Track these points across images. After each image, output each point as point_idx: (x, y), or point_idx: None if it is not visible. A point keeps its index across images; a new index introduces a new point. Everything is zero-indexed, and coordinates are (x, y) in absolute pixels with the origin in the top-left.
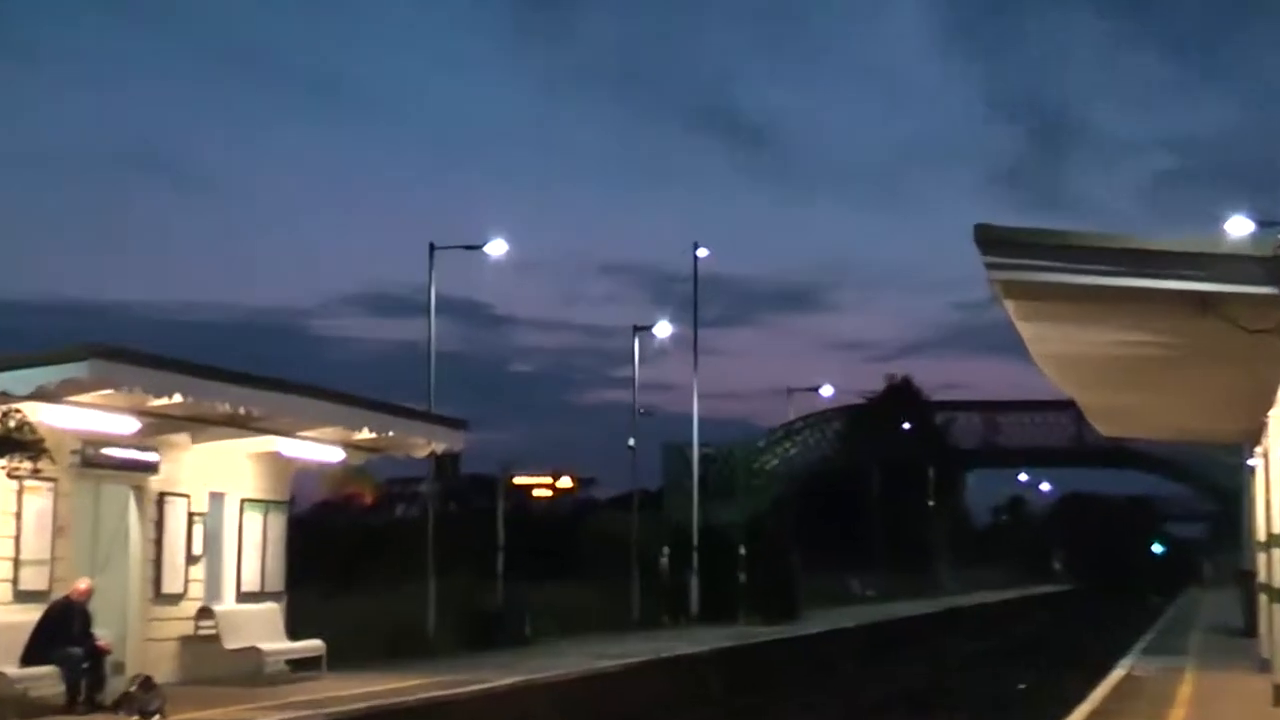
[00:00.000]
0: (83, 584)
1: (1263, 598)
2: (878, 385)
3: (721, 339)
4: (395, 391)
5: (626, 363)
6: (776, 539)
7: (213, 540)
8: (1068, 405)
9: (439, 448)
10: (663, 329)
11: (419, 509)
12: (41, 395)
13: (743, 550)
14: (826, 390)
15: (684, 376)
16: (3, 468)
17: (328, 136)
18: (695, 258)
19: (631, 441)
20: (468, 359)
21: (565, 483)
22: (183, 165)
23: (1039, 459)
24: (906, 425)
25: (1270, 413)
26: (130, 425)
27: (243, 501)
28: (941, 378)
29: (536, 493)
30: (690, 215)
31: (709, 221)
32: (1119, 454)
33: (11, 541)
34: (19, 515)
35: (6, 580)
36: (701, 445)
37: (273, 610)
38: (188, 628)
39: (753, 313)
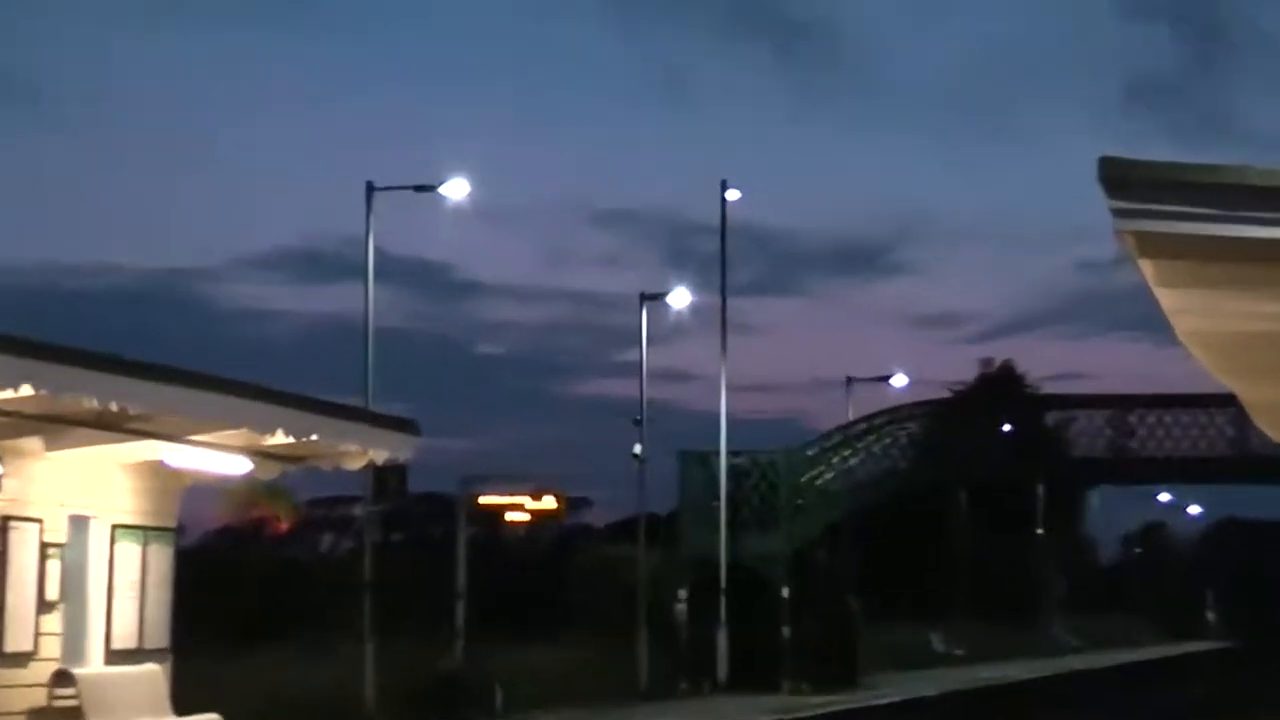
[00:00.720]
0: None
1: None
2: (969, 374)
3: (759, 312)
4: (323, 381)
5: (631, 344)
6: (832, 579)
7: (74, 580)
8: (1225, 401)
9: (379, 457)
10: (680, 298)
11: (353, 539)
12: None
13: (786, 594)
14: (899, 380)
15: (708, 362)
16: None
17: (238, 47)
18: (723, 202)
19: (638, 448)
20: (420, 338)
21: (548, 503)
22: (39, 88)
23: (1186, 473)
24: (1007, 427)
25: None
26: None
27: (114, 528)
28: (1055, 364)
29: (510, 517)
30: (717, 147)
31: (742, 155)
32: None
33: None
34: None
35: None
36: (732, 454)
37: (154, 675)
38: (40, 697)
39: (800, 277)
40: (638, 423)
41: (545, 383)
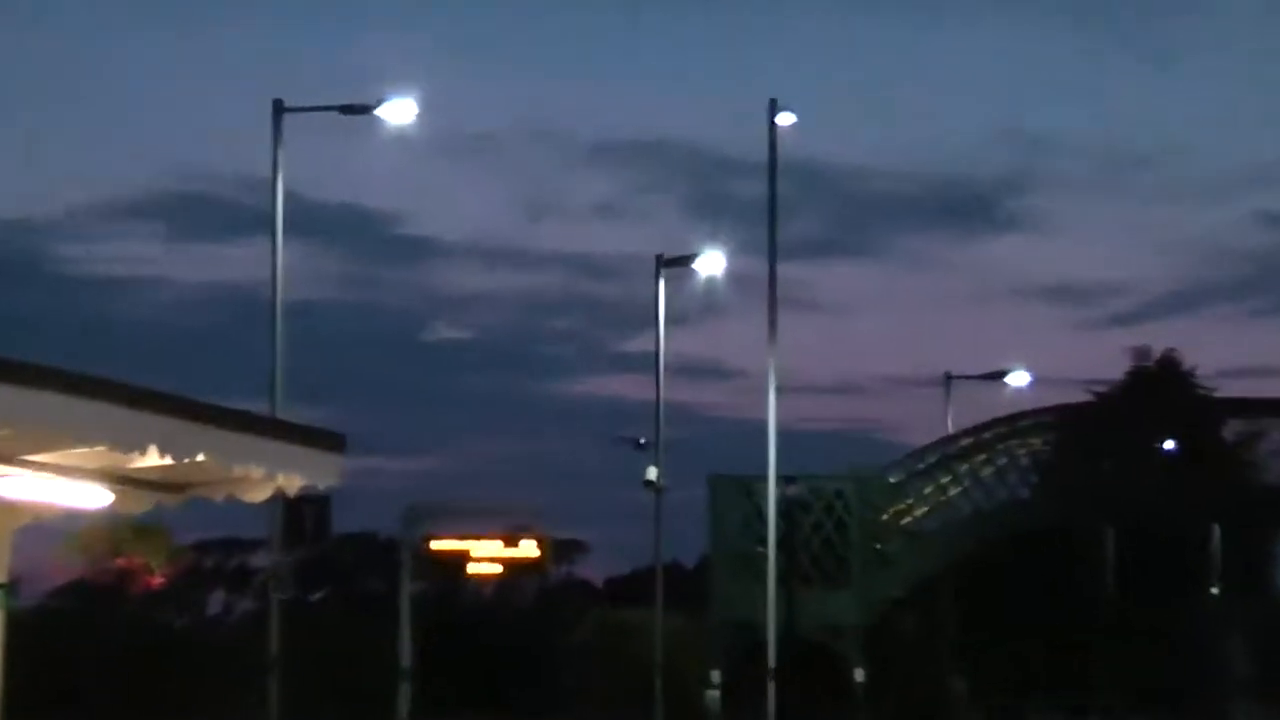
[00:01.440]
0: None
1: None
2: (1115, 369)
3: (821, 282)
4: (214, 378)
5: (643, 326)
6: (926, 655)
7: None
8: None
9: (292, 485)
10: (711, 263)
11: (254, 598)
12: None
13: (861, 675)
14: (1018, 379)
15: (750, 351)
16: None
17: None
18: (772, 129)
19: (653, 472)
20: (351, 318)
21: (527, 549)
22: None
23: None
24: (1170, 444)
25: None
26: None
27: None
28: (1234, 355)
29: (476, 569)
30: (764, 55)
31: (797, 67)
32: None
33: None
34: None
35: None
36: (783, 479)
37: None
38: None
39: (879, 234)
40: (642, 446)
41: (524, 380)
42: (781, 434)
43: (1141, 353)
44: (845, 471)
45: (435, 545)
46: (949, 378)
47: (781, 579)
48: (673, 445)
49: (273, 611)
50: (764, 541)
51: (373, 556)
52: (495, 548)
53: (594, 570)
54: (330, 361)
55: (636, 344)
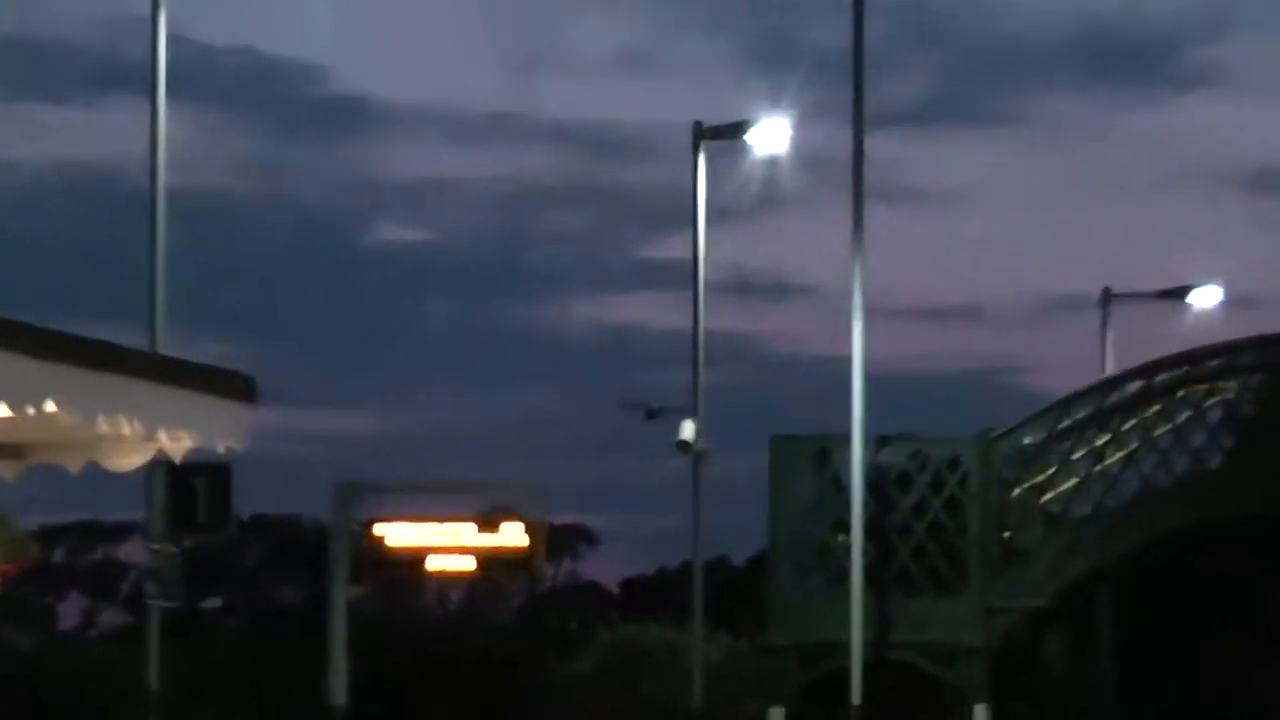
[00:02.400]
0: None
1: None
2: None
3: (928, 162)
4: (72, 297)
5: (672, 224)
6: (1075, 686)
7: None
8: None
9: (178, 447)
10: (770, 134)
11: (126, 608)
12: None
13: (983, 717)
14: (1207, 296)
15: (826, 260)
16: None
17: None
18: None
19: (689, 429)
20: (262, 215)
21: (511, 536)
22: None
23: None
24: None
25: None
26: None
27: None
28: None
29: (437, 564)
30: None
31: None
32: None
33: None
34: None
35: None
36: (876, 442)
37: None
38: None
39: (1011, 95)
40: (653, 414)
41: (507, 302)
42: (872, 377)
43: None
44: (962, 430)
45: (381, 533)
46: (1108, 296)
47: (871, 580)
48: (718, 392)
49: (152, 626)
50: (846, 528)
51: (293, 550)
52: (466, 535)
53: (605, 569)
54: (233, 275)
55: (667, 249)
